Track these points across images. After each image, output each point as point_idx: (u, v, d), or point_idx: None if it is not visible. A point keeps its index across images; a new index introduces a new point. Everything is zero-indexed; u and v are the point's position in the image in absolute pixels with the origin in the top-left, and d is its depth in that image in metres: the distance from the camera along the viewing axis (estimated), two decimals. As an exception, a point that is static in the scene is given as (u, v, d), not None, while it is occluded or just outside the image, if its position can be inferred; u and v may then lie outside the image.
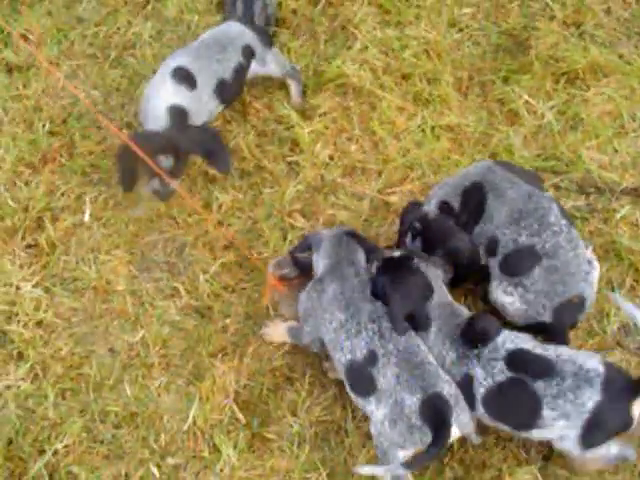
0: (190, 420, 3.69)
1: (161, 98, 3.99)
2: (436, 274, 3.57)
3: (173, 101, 3.98)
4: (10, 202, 4.18)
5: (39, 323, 3.92)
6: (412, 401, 3.25)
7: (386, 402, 3.30)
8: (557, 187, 4.17)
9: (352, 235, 3.65)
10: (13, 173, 4.28)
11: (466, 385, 3.34)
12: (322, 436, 3.68)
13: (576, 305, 3.59)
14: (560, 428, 3.24)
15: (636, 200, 4.16)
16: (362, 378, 3.37)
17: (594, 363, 3.22)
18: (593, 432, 3.21)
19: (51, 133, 4.40)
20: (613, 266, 3.98)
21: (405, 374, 3.28)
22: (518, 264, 3.61)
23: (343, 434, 3.68)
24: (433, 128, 4.35)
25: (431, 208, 3.76)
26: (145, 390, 3.78)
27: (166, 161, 3.89)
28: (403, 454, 3.31)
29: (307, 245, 3.67)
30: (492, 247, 3.67)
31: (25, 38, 4.67)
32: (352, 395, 3.47)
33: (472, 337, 3.38)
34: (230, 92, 4.20)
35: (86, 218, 4.19)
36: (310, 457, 3.63)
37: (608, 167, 4.24)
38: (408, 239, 3.78)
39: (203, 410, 3.70)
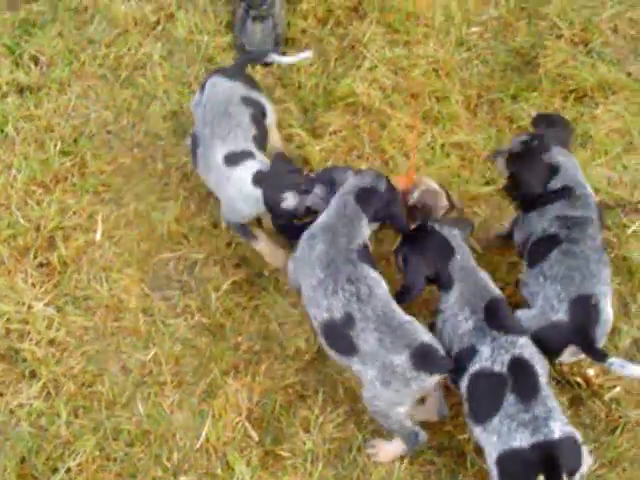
0: (203, 438, 3.70)
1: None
2: (452, 234, 3.59)
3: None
4: (22, 221, 4.19)
5: (51, 341, 3.93)
6: (401, 360, 3.34)
7: (372, 364, 3.38)
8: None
9: (363, 200, 3.62)
10: (25, 192, 4.29)
11: (466, 355, 3.39)
12: (335, 453, 3.68)
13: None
14: (489, 443, 3.27)
15: (646, 216, 4.19)
16: (340, 339, 3.44)
17: (557, 427, 3.17)
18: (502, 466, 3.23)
19: (63, 153, 4.42)
20: (625, 281, 3.98)
21: (387, 338, 3.36)
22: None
23: (356, 451, 3.68)
24: (443, 146, 4.37)
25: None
26: (158, 408, 3.79)
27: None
28: (403, 410, 3.43)
29: (329, 180, 3.72)
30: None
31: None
32: (331, 353, 3.53)
33: (494, 320, 3.41)
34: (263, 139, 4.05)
35: (98, 237, 4.20)
36: (323, 474, 3.63)
37: (617, 184, 4.25)
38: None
39: (216, 428, 3.71)
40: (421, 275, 3.56)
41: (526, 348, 3.36)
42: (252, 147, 3.88)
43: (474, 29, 4.78)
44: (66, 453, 3.67)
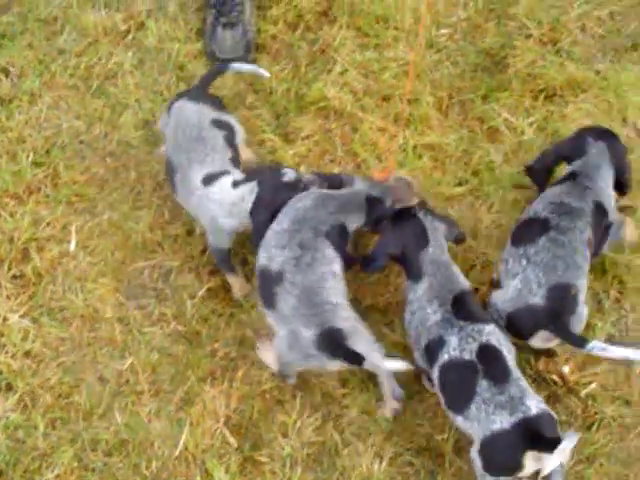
0: (181, 446, 3.69)
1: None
2: (434, 226, 3.62)
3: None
4: (-5, 234, 4.18)
5: (27, 353, 3.92)
6: (308, 334, 3.42)
7: (284, 327, 3.49)
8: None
9: (370, 205, 3.71)
10: (-2, 205, 4.28)
11: (434, 346, 3.42)
12: (314, 457, 3.68)
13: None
14: (472, 431, 3.33)
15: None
16: (267, 289, 3.53)
17: (534, 404, 3.24)
18: (485, 452, 3.27)
19: (35, 164, 4.40)
20: (598, 278, 4.01)
21: (304, 310, 3.43)
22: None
23: (335, 455, 3.68)
24: (415, 147, 4.38)
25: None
26: (135, 417, 3.78)
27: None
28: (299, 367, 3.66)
29: (337, 181, 3.84)
30: None
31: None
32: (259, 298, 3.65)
33: (461, 311, 3.45)
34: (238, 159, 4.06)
35: (72, 247, 4.19)
36: (302, 479, 3.63)
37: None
38: None
39: (194, 435, 3.70)
40: (385, 251, 3.61)
41: (493, 335, 3.40)
42: (229, 167, 3.89)
43: (443, 31, 4.79)
44: (44, 465, 3.66)
